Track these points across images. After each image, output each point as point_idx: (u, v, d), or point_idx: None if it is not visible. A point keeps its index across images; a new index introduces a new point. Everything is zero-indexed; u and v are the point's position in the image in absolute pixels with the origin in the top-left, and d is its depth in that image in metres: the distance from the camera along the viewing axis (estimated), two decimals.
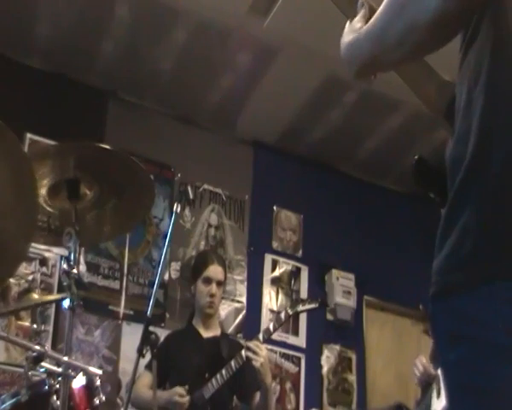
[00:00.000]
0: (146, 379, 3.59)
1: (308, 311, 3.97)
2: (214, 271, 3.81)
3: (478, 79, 1.13)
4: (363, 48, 1.26)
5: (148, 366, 3.46)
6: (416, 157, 1.38)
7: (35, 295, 4.44)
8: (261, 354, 3.54)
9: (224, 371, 3.56)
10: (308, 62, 4.84)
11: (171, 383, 3.70)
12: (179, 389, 3.54)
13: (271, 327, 3.67)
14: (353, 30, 1.34)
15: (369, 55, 1.26)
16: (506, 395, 1.02)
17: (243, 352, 3.59)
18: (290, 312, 3.79)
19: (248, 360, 3.56)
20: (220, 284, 3.83)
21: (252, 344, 3.59)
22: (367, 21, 1.31)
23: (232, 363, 3.57)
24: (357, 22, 1.37)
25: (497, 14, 1.13)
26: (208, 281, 3.78)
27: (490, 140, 1.08)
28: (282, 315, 3.76)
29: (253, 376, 3.79)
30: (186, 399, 3.52)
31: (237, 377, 3.59)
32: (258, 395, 3.67)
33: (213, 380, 3.56)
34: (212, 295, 3.76)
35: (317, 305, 3.87)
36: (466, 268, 1.06)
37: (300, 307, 3.82)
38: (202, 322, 3.82)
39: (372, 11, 1.33)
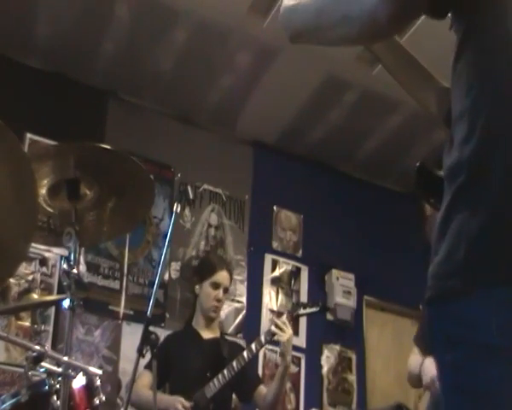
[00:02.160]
0: (146, 379, 3.59)
1: (309, 315, 3.98)
2: (223, 277, 3.84)
3: (475, 85, 1.13)
4: (299, 18, 1.28)
5: (148, 366, 3.46)
6: (417, 164, 1.38)
7: (35, 296, 4.44)
8: (287, 330, 3.63)
9: (225, 372, 3.57)
10: (308, 62, 4.84)
11: (171, 384, 3.70)
12: (184, 401, 3.54)
13: (273, 328, 3.68)
14: None
15: (304, 27, 1.28)
16: (501, 397, 1.02)
17: (245, 353, 3.61)
18: (291, 315, 3.80)
19: (262, 345, 3.65)
20: (226, 290, 3.87)
21: (279, 321, 3.68)
22: None
23: (234, 363, 3.58)
24: None
25: (495, 16, 1.13)
26: (216, 286, 3.80)
27: (492, 145, 1.08)
28: (283, 318, 3.77)
29: (254, 372, 3.80)
30: None
31: (238, 376, 3.60)
32: (262, 389, 3.68)
33: (215, 380, 3.57)
34: (218, 301, 3.79)
35: (318, 309, 3.89)
36: (461, 273, 1.07)
37: (301, 311, 3.85)
38: (204, 324, 3.82)
39: None
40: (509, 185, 1.06)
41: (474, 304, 1.05)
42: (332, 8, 1.19)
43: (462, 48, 1.17)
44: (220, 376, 3.57)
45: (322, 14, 1.21)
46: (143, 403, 3.57)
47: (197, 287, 3.88)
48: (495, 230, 1.05)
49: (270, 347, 4.55)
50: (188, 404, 3.53)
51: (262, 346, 3.69)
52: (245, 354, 3.60)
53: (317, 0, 1.23)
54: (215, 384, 3.56)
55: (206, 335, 3.81)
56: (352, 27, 1.17)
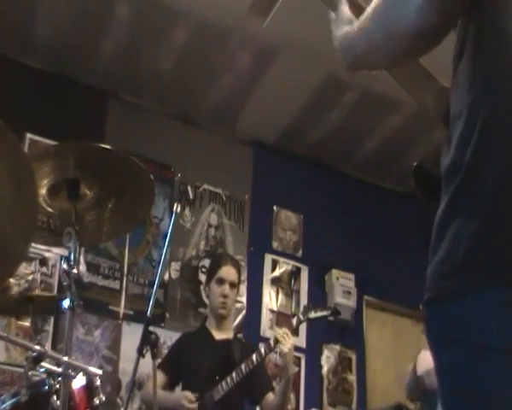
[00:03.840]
0: (158, 379, 3.59)
1: (320, 318, 3.96)
2: (227, 272, 3.82)
3: (475, 85, 1.12)
4: (354, 45, 1.30)
5: (161, 366, 3.47)
6: (414, 164, 1.38)
7: None
8: (289, 341, 3.59)
9: (234, 374, 3.56)
10: (308, 62, 4.84)
11: (184, 383, 3.70)
12: (188, 394, 3.55)
13: (271, 343, 3.65)
14: (345, 19, 1.36)
15: (359, 53, 1.30)
16: (499, 398, 1.02)
17: (254, 356, 3.59)
18: (302, 318, 3.79)
19: (271, 349, 3.60)
20: (233, 285, 3.83)
21: (281, 331, 3.64)
22: (352, 5, 1.34)
23: (242, 366, 3.56)
24: (345, 9, 1.39)
25: (495, 16, 1.13)
26: (221, 282, 3.79)
27: (489, 145, 1.08)
28: (294, 321, 3.76)
29: (265, 378, 3.79)
30: (194, 405, 3.52)
31: (248, 380, 3.59)
32: (270, 396, 3.66)
33: (223, 383, 3.56)
34: (224, 296, 3.77)
35: (329, 312, 3.87)
36: (459, 274, 1.07)
37: (312, 314, 3.82)
38: (215, 324, 3.82)
39: None
40: (507, 186, 1.06)
41: (472, 305, 1.05)
42: (378, 30, 1.21)
43: (462, 47, 1.17)
44: (228, 379, 3.56)
45: (371, 37, 1.23)
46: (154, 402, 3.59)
47: (206, 288, 3.89)
48: (493, 231, 1.05)
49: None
50: (193, 397, 3.53)
51: (271, 350, 3.67)
52: (254, 357, 3.59)
53: (364, 25, 1.25)
54: (223, 387, 3.56)
55: (219, 335, 3.80)
56: (400, 43, 1.18)
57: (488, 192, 1.07)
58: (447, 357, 1.08)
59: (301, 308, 4.05)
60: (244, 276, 5.35)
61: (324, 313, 3.85)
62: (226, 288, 3.78)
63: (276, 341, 3.58)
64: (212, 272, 3.88)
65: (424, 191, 1.36)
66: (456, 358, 1.07)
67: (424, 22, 1.12)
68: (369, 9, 1.23)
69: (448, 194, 1.12)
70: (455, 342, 1.07)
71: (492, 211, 1.06)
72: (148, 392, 3.61)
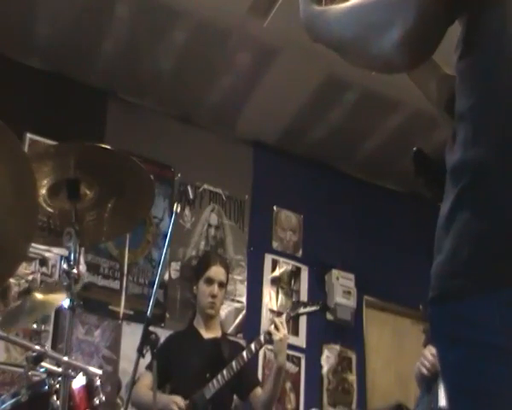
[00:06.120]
0: (147, 380, 3.59)
1: (309, 314, 3.98)
2: (216, 271, 3.82)
3: (479, 85, 1.12)
4: (323, 31, 1.33)
5: (149, 367, 3.46)
6: (414, 149, 1.39)
7: (38, 295, 4.44)
8: (282, 330, 3.62)
9: (225, 372, 3.56)
10: (308, 62, 4.84)
11: (172, 384, 3.70)
12: (179, 400, 3.54)
13: (271, 327, 3.68)
14: None
15: (326, 42, 1.33)
16: (503, 397, 1.03)
17: (244, 353, 3.60)
18: (292, 314, 3.81)
19: (261, 345, 3.65)
20: (222, 285, 3.83)
21: (277, 320, 3.68)
22: None
23: (233, 364, 3.57)
24: None
25: (496, 16, 1.13)
26: (210, 281, 3.79)
27: (497, 147, 1.08)
28: (284, 317, 3.77)
29: (253, 372, 3.81)
30: None
31: (237, 377, 3.60)
32: (258, 391, 3.67)
33: (214, 380, 3.56)
34: (213, 296, 3.77)
35: (318, 307, 3.89)
36: (465, 273, 1.07)
37: (302, 310, 3.85)
38: (203, 323, 3.82)
39: None
40: None
41: (477, 304, 1.05)
42: (352, 44, 1.23)
43: (464, 46, 1.16)
44: (219, 376, 3.57)
45: (343, 43, 1.25)
46: (143, 404, 3.58)
47: (195, 287, 3.89)
48: (499, 231, 1.05)
49: (270, 347, 4.54)
50: (182, 403, 3.52)
51: (261, 346, 3.69)
52: (244, 354, 3.60)
53: (339, 28, 1.26)
54: (214, 385, 3.56)
55: (207, 334, 3.81)
56: (373, 62, 1.22)
57: (495, 193, 1.07)
58: (452, 356, 1.09)
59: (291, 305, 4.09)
60: (244, 276, 5.36)
61: (313, 308, 3.88)
62: (215, 288, 3.78)
63: (275, 327, 3.61)
64: (200, 271, 3.88)
65: (425, 176, 1.36)
66: (460, 357, 1.07)
67: (394, 59, 1.15)
68: (347, 11, 1.23)
69: (454, 193, 1.11)
70: (459, 341, 1.07)
71: (499, 211, 1.06)
72: (136, 393, 3.53)
